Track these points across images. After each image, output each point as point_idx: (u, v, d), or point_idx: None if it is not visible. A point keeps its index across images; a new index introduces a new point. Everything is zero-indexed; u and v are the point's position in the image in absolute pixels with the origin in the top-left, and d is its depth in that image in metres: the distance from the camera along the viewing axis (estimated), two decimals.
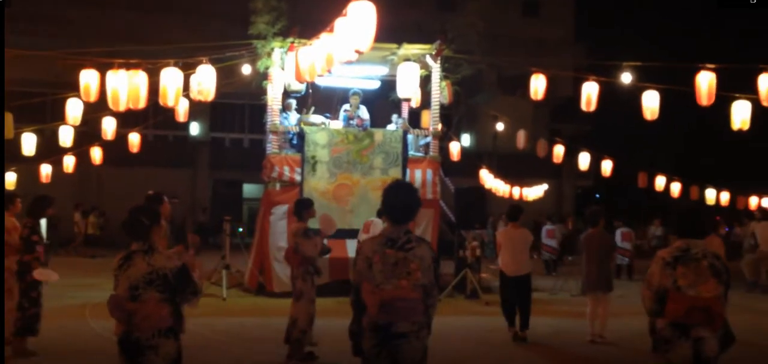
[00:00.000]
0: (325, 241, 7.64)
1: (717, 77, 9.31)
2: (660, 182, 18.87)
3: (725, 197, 20.17)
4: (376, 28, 6.42)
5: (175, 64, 8.80)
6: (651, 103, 10.63)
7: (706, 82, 9.25)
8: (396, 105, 14.02)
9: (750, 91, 9.35)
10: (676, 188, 19.12)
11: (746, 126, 10.25)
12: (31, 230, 6.92)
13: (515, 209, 8.96)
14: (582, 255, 8.96)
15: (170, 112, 12.14)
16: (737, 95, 9.81)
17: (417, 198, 3.78)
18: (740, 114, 10.15)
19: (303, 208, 7.41)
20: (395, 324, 3.54)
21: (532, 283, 9.05)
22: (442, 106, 13.26)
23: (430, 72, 12.74)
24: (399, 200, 3.73)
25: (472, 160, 22.90)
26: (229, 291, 11.85)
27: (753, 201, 21.29)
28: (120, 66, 8.49)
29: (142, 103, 8.77)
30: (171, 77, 8.75)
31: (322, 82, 13.22)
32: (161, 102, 8.90)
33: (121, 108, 8.57)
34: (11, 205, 7.20)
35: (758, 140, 20.02)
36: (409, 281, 3.56)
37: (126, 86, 8.45)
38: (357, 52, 6.41)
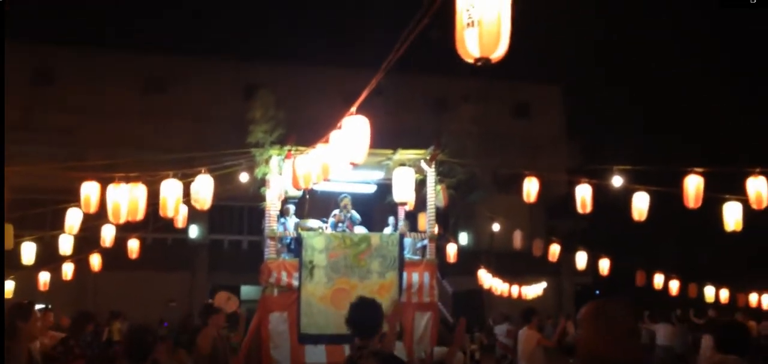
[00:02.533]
0: None
1: (706, 180, 9.51)
2: (658, 279, 18.90)
3: (724, 294, 20.14)
4: (371, 137, 6.63)
5: (174, 176, 8.98)
6: (640, 204, 10.83)
7: (693, 185, 9.43)
8: (392, 209, 14.17)
9: (740, 193, 9.50)
10: (674, 286, 19.13)
11: (739, 227, 10.39)
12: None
13: (527, 312, 9.09)
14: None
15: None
16: (727, 197, 9.96)
17: (379, 314, 3.90)
18: (732, 215, 10.30)
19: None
20: None
21: None
22: (438, 209, 13.40)
23: (425, 176, 12.93)
24: (361, 316, 3.86)
25: (470, 259, 22.95)
26: None
27: (753, 298, 21.26)
28: (120, 179, 8.67)
29: (140, 215, 8.91)
30: (170, 188, 8.92)
31: (319, 187, 13.42)
32: (161, 213, 9.03)
33: (121, 220, 8.70)
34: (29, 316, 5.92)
35: (754, 239, 20.18)
36: None
37: (126, 199, 8.61)
38: (352, 164, 6.57)
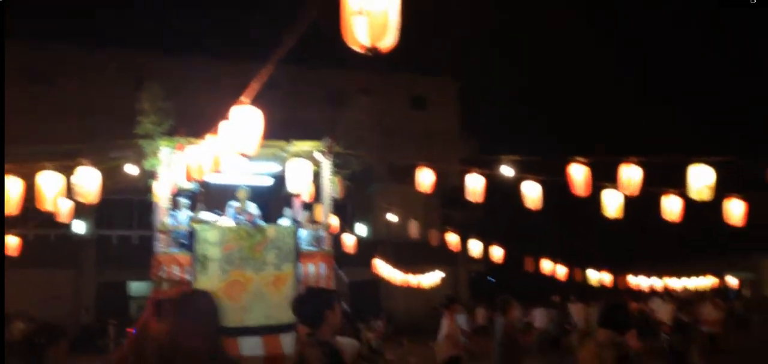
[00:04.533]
0: None
1: (590, 169, 9.96)
2: (547, 265, 19.70)
3: (608, 277, 21.25)
4: (265, 127, 6.52)
5: (54, 168, 8.53)
6: (531, 192, 11.24)
7: (579, 174, 9.85)
8: (287, 199, 14.05)
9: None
10: (561, 271, 20.01)
11: (620, 214, 10.95)
12: None
13: (447, 300, 9.25)
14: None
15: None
16: (606, 185, 10.49)
17: (325, 302, 3.85)
18: (613, 202, 10.85)
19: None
20: None
21: None
22: (334, 200, 13.40)
23: (321, 167, 12.90)
24: (307, 306, 3.84)
25: (367, 250, 23.10)
26: None
27: (632, 280, 22.57)
28: None
29: (14, 210, 8.40)
30: (48, 181, 8.46)
31: (213, 179, 13.11)
32: (38, 206, 8.56)
33: None
34: None
35: (632, 223, 21.36)
36: None
37: None
38: (243, 155, 6.46)
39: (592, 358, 4.82)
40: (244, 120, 6.38)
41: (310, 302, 3.88)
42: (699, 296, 18.05)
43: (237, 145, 6.45)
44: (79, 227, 26.43)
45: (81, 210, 24.82)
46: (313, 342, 3.72)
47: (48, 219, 16.78)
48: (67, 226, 24.81)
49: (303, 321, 3.88)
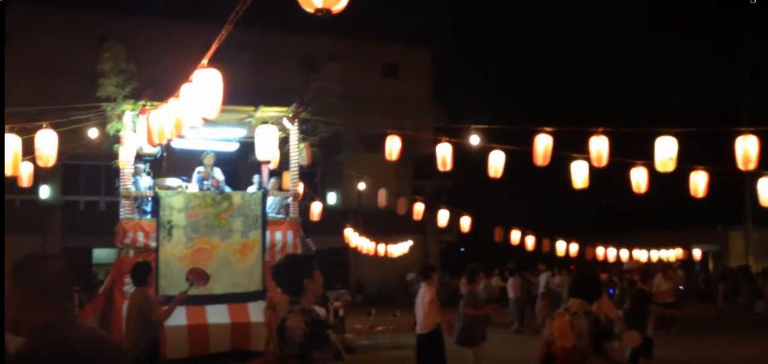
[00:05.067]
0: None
1: (555, 139, 9.99)
2: (515, 235, 19.83)
3: (574, 248, 21.48)
4: (231, 91, 6.40)
5: (11, 130, 8.31)
6: (496, 162, 11.27)
7: (543, 144, 9.87)
8: (256, 167, 13.91)
9: (586, 152, 10.04)
10: (530, 241, 20.16)
11: (586, 184, 11.02)
12: None
13: (426, 268, 9.27)
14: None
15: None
16: (573, 156, 10.52)
17: (307, 270, 3.81)
18: (580, 173, 10.91)
19: (146, 272, 7.19)
20: None
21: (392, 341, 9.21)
22: (302, 167, 13.30)
23: (288, 134, 12.77)
24: (289, 273, 3.80)
25: (337, 218, 23.08)
26: None
27: (600, 251, 22.84)
28: None
29: None
30: (7, 144, 8.24)
31: (177, 144, 12.91)
32: None
33: None
34: None
35: (599, 194, 21.62)
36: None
37: None
38: (204, 119, 6.33)
39: (566, 327, 4.87)
40: (206, 83, 6.24)
41: (290, 270, 3.83)
42: (657, 267, 18.29)
43: (199, 109, 6.31)
44: (45, 193, 25.99)
45: (47, 176, 24.49)
46: (296, 310, 3.68)
47: (11, 184, 16.52)
48: (33, 191, 24.44)
49: (284, 289, 3.84)
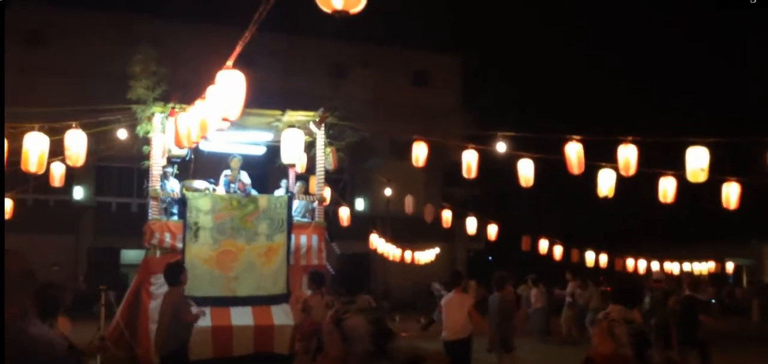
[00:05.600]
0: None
1: (585, 147, 9.86)
2: (543, 245, 19.63)
3: (603, 258, 21.19)
4: (261, 96, 6.43)
5: (40, 129, 8.45)
6: (526, 171, 11.15)
7: (574, 152, 9.75)
8: (283, 171, 13.99)
9: (612, 161, 9.90)
10: (557, 251, 19.94)
11: (612, 193, 10.83)
12: None
13: (455, 275, 9.36)
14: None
15: (47, 175, 11.62)
16: (601, 164, 10.37)
17: (365, 272, 3.90)
18: (606, 182, 10.74)
19: (179, 272, 7.25)
20: None
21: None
22: (329, 172, 13.34)
23: (315, 138, 12.82)
24: (350, 272, 3.85)
25: (364, 224, 23.07)
26: None
27: (630, 263, 22.50)
28: None
29: None
30: (34, 142, 8.38)
31: (205, 147, 13.05)
32: (23, 168, 8.49)
33: None
34: None
35: (628, 204, 21.33)
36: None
37: None
38: (225, 120, 6.36)
39: (604, 334, 4.82)
40: (229, 85, 6.26)
41: (352, 271, 3.90)
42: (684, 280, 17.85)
43: (221, 110, 6.34)
44: (78, 194, 26.45)
45: (80, 177, 24.91)
46: (352, 310, 3.71)
47: (43, 184, 16.83)
48: (67, 192, 24.89)
49: (347, 289, 3.89)
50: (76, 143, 9.11)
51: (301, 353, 7.47)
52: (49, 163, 9.87)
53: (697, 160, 9.05)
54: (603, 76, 40.27)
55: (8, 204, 14.47)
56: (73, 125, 8.98)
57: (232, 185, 12.71)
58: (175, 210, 12.35)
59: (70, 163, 9.39)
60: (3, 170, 7.12)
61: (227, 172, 12.89)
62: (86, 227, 26.28)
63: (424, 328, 16.87)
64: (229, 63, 6.35)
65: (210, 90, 6.97)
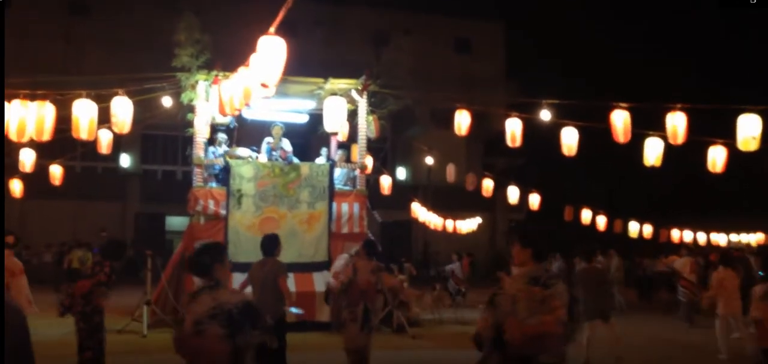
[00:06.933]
0: None
1: (632, 115, 9.65)
2: (586, 215, 19.35)
3: (648, 229, 20.81)
4: (304, 64, 6.42)
5: (87, 96, 8.60)
6: (569, 139, 10.97)
7: (620, 120, 9.55)
8: (325, 139, 14.03)
9: (659, 129, 9.67)
10: (601, 221, 19.63)
11: (659, 163, 10.59)
12: None
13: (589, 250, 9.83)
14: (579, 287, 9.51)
15: (94, 143, 11.87)
16: (649, 133, 10.14)
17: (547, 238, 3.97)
18: (653, 151, 10.50)
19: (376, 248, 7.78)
20: (538, 356, 3.72)
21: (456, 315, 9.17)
22: (371, 140, 13.33)
23: (357, 106, 12.80)
24: (541, 239, 3.96)
25: (406, 193, 23.04)
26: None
27: (675, 234, 22.05)
28: (26, 97, 8.24)
29: (47, 135, 8.52)
30: (83, 109, 8.54)
31: (248, 115, 13.16)
32: (74, 134, 8.67)
33: (25, 139, 8.32)
34: None
35: (676, 175, 20.85)
36: (553, 317, 3.72)
37: (33, 117, 8.21)
38: (263, 85, 6.37)
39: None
40: (270, 51, 6.27)
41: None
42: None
43: (261, 76, 6.36)
44: (125, 162, 27.01)
45: (127, 145, 25.41)
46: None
47: (91, 151, 17.22)
48: (114, 159, 25.44)
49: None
50: (122, 110, 9.26)
51: (349, 321, 7.49)
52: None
53: (749, 128, 8.79)
54: (651, 49, 39.24)
55: (57, 171, 14.85)
56: (119, 92, 9.12)
57: (273, 153, 12.81)
58: (219, 176, 12.51)
59: (116, 130, 9.56)
60: (3, 179, 7.32)
61: (269, 139, 12.98)
62: (133, 194, 26.84)
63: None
64: (271, 29, 6.34)
65: (253, 57, 7.00)
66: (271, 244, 7.32)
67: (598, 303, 9.22)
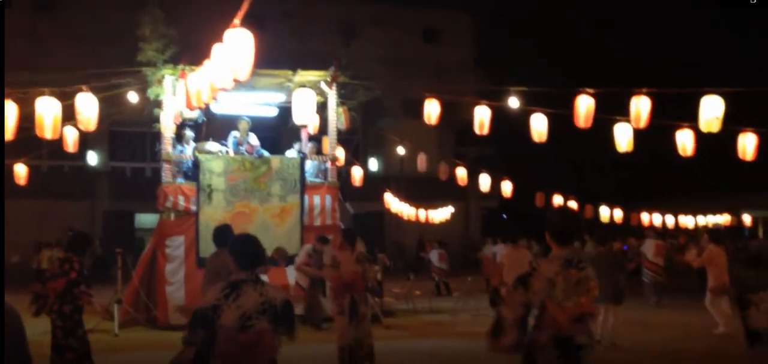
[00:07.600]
0: None
1: (596, 101, 9.73)
2: (557, 200, 19.53)
3: (618, 214, 21.08)
4: (273, 58, 6.37)
5: (51, 93, 8.44)
6: (539, 126, 11.03)
7: (584, 105, 9.63)
8: (296, 133, 13.97)
9: (626, 114, 9.76)
10: (572, 206, 19.83)
11: (631, 148, 10.71)
12: None
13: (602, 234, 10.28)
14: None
15: (60, 141, 11.65)
16: (616, 118, 10.24)
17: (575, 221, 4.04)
18: (623, 136, 10.60)
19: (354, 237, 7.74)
20: (576, 337, 3.78)
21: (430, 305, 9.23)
22: (341, 132, 13.29)
23: (327, 98, 12.75)
24: (565, 224, 4.04)
25: (378, 184, 23.05)
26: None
27: (645, 218, 22.39)
28: None
29: (9, 135, 8.34)
30: (46, 107, 8.39)
31: (217, 109, 13.04)
32: (38, 133, 8.51)
33: None
34: None
35: (643, 159, 21.08)
36: (588, 298, 3.84)
37: None
38: (235, 80, 6.31)
39: None
40: (238, 44, 6.21)
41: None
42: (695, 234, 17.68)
43: (231, 70, 6.30)
44: (93, 160, 26.60)
45: (94, 142, 25.01)
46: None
47: (58, 149, 16.91)
48: (81, 157, 25.02)
49: None
50: (88, 107, 9.10)
51: (336, 314, 7.50)
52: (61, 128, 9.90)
53: (711, 110, 8.92)
54: (616, 35, 39.67)
55: (23, 170, 14.57)
56: (84, 89, 8.96)
57: (240, 147, 12.73)
58: (188, 172, 12.39)
59: (81, 127, 9.40)
60: (3, 179, 7.14)
61: (235, 133, 12.88)
62: (101, 192, 26.43)
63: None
64: (237, 21, 6.27)
65: (216, 48, 6.92)
66: (221, 234, 7.23)
67: (612, 286, 9.44)
